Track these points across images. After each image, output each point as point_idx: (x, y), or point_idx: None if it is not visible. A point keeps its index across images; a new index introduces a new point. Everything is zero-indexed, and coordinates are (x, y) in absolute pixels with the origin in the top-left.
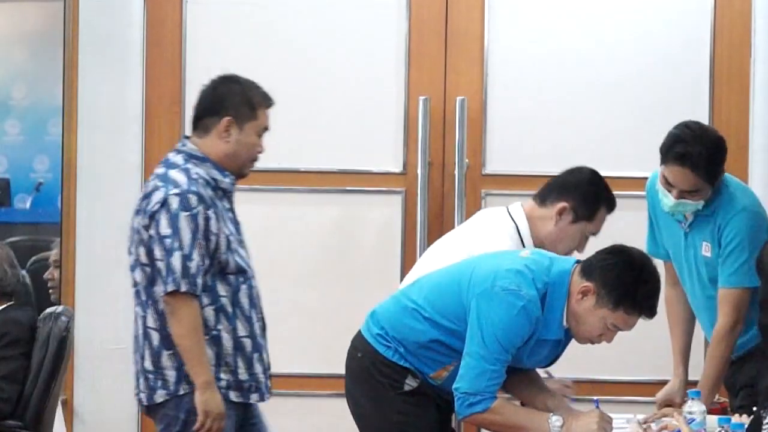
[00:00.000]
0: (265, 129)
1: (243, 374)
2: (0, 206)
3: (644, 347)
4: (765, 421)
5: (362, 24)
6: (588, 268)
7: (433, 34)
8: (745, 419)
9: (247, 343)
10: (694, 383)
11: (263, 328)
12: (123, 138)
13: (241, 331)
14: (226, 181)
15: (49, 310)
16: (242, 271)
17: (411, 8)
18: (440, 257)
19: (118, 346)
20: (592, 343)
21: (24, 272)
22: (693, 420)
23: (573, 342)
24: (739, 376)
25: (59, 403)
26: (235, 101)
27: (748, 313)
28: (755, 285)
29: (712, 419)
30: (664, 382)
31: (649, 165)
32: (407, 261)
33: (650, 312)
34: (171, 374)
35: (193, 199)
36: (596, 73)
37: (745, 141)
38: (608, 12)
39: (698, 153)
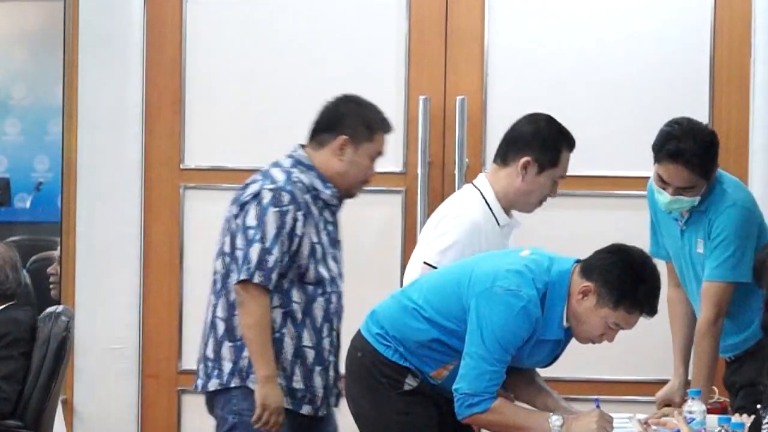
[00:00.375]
0: (379, 154)
1: (298, 383)
2: (0, 206)
3: (644, 346)
4: (765, 421)
5: (362, 24)
6: (588, 268)
7: (433, 33)
8: (746, 419)
9: (310, 353)
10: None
11: (334, 344)
12: (123, 138)
13: (306, 340)
14: (326, 192)
15: (49, 309)
16: (321, 283)
17: (411, 8)
18: (422, 240)
19: (118, 345)
20: (593, 342)
21: (24, 272)
22: (693, 419)
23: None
24: (739, 376)
25: (59, 402)
26: (354, 122)
27: (744, 313)
28: (739, 280)
29: (712, 418)
30: (664, 382)
31: (649, 165)
32: (407, 261)
33: (651, 310)
34: (227, 366)
35: (286, 197)
36: (596, 72)
37: (745, 141)
38: (608, 11)
39: (690, 149)
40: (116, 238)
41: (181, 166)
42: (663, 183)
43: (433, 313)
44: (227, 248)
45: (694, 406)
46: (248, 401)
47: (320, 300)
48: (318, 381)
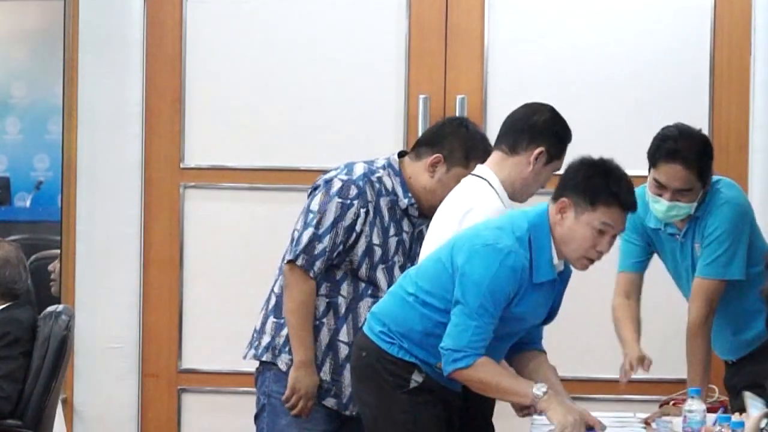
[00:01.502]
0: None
1: (326, 375)
2: (0, 205)
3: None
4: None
5: (362, 22)
6: (557, 191)
7: (433, 32)
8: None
9: (344, 349)
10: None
11: None
12: (123, 137)
13: (343, 335)
14: (403, 200)
15: (49, 309)
16: (374, 285)
17: (411, 6)
18: (432, 233)
19: (118, 344)
20: (591, 260)
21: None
22: (693, 418)
23: (574, 339)
24: (740, 378)
25: (59, 401)
26: (454, 144)
27: (741, 314)
28: (731, 278)
29: (712, 418)
30: (663, 381)
31: (647, 164)
32: None
33: (628, 198)
34: (265, 339)
35: (353, 191)
36: (596, 71)
37: (744, 140)
38: (608, 10)
39: (688, 147)
40: (116, 237)
41: (181, 165)
42: (660, 188)
43: (428, 298)
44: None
45: (694, 405)
46: (278, 384)
47: (368, 300)
48: (347, 378)
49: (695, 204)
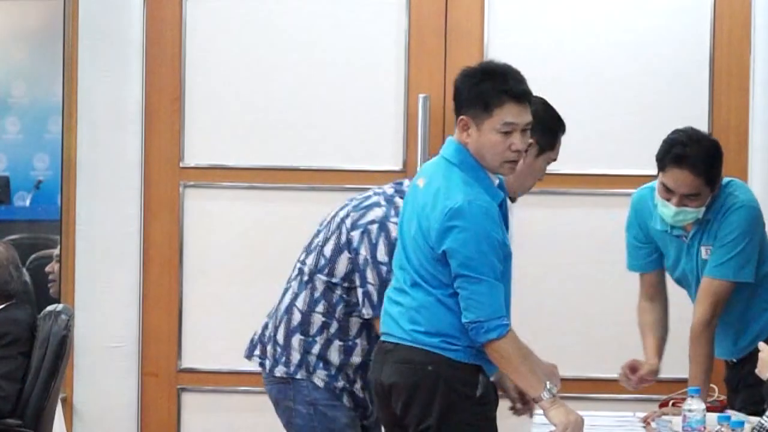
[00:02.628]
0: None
1: (359, 391)
2: (0, 204)
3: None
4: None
5: (362, 22)
6: (456, 110)
7: (432, 31)
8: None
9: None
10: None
11: None
12: (123, 136)
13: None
14: None
15: (49, 308)
16: None
17: (411, 6)
18: None
19: (117, 343)
20: (514, 162)
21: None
22: (693, 418)
23: (574, 339)
24: (741, 376)
25: (59, 401)
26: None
27: (748, 317)
28: (742, 280)
29: (712, 417)
30: (663, 380)
31: (647, 163)
32: None
33: (517, 88)
34: (295, 357)
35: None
36: (596, 71)
37: (744, 140)
38: (608, 10)
39: (696, 153)
40: (116, 237)
41: (181, 164)
42: (668, 192)
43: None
44: (328, 252)
45: (694, 405)
46: (319, 391)
47: None
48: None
49: (703, 209)
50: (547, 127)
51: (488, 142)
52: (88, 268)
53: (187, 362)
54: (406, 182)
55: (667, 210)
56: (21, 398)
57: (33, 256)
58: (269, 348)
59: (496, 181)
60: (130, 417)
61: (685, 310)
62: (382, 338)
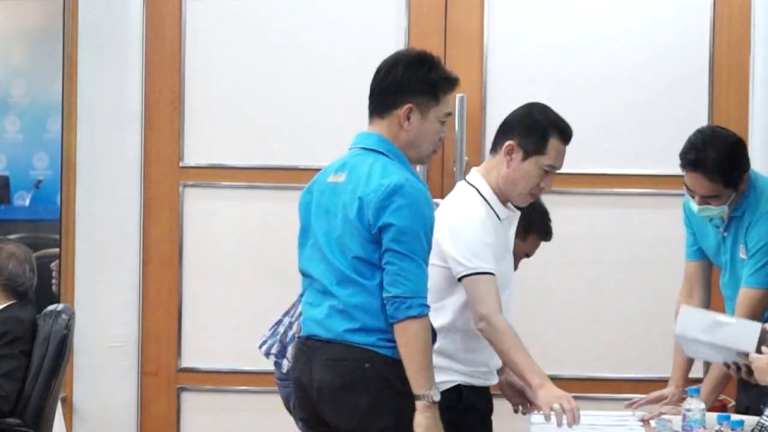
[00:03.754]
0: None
1: None
2: None
3: (644, 345)
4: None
5: (362, 21)
6: (391, 97)
7: (432, 31)
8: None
9: None
10: (697, 380)
11: None
12: (122, 135)
13: None
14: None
15: (49, 308)
16: None
17: (410, 5)
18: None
19: (117, 343)
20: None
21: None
22: (692, 417)
23: (574, 339)
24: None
25: (59, 400)
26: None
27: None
28: None
29: (712, 416)
30: (661, 380)
31: (647, 162)
32: None
33: (450, 79)
34: None
35: None
36: (596, 70)
37: (744, 139)
38: (608, 9)
39: (710, 158)
40: (116, 236)
41: (181, 164)
42: (690, 191)
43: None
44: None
45: (693, 404)
46: None
47: None
48: None
49: (726, 206)
50: (533, 129)
51: (430, 131)
52: (88, 268)
53: (186, 362)
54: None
55: (692, 205)
56: (21, 397)
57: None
58: (290, 349)
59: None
60: (130, 416)
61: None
62: (305, 338)
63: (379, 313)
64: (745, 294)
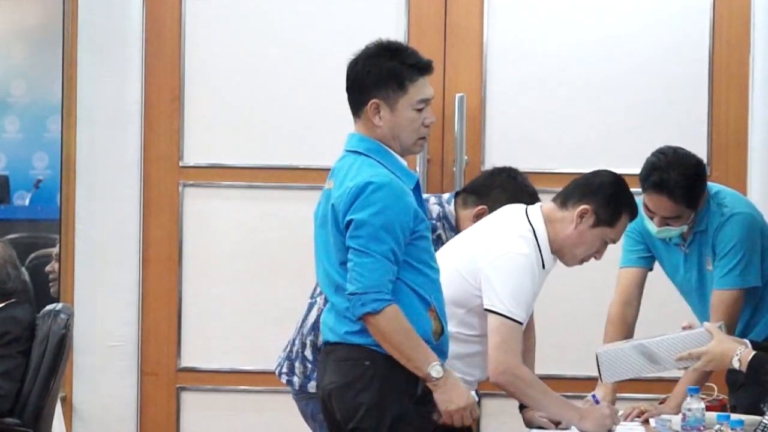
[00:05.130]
0: None
1: None
2: None
3: None
4: (765, 416)
5: (361, 20)
6: (358, 96)
7: (432, 30)
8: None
9: None
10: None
11: None
12: (122, 135)
13: None
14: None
15: (48, 307)
16: None
17: (410, 5)
18: (448, 256)
19: (117, 343)
20: (424, 139)
21: (23, 270)
22: (692, 416)
23: (573, 337)
24: (740, 375)
25: (58, 400)
26: (501, 196)
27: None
28: (748, 285)
29: (711, 416)
30: (661, 380)
31: None
32: None
33: (425, 64)
34: None
35: None
36: (595, 69)
37: (744, 139)
38: (607, 8)
39: (674, 180)
40: (115, 236)
41: (181, 164)
42: (650, 212)
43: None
44: None
45: (693, 404)
46: None
47: None
48: None
49: (686, 226)
50: (609, 201)
51: (405, 120)
52: (88, 268)
53: (186, 361)
54: (445, 196)
55: (651, 226)
56: (20, 397)
57: (32, 255)
58: (297, 365)
59: (405, 164)
60: (130, 416)
61: (683, 308)
62: (323, 344)
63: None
64: (719, 297)
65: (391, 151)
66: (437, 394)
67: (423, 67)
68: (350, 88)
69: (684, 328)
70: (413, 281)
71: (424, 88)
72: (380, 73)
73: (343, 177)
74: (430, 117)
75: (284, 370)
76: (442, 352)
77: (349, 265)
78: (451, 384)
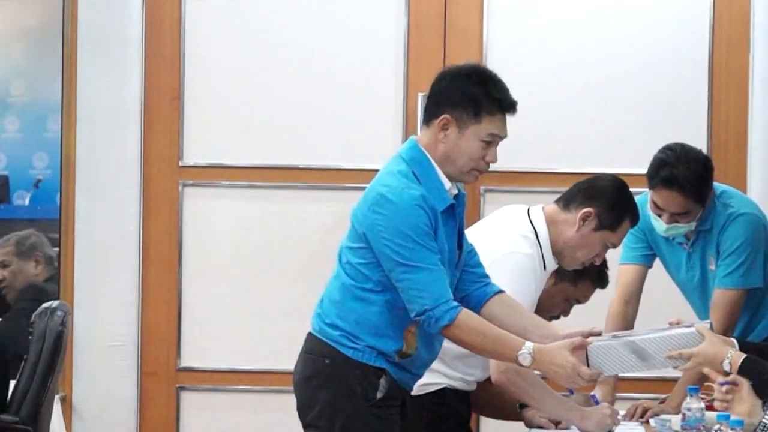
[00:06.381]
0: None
1: None
2: None
3: None
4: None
5: (361, 20)
6: (433, 111)
7: (432, 30)
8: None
9: None
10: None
11: None
12: (122, 134)
13: None
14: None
15: (45, 305)
16: None
17: (410, 4)
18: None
19: (117, 342)
20: (480, 172)
21: None
22: (692, 416)
23: None
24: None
25: (58, 399)
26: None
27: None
28: (751, 286)
29: (712, 416)
30: (661, 379)
31: (647, 162)
32: None
33: (508, 99)
34: None
35: None
36: (595, 69)
37: (743, 138)
38: (607, 8)
39: (684, 174)
40: (115, 235)
41: (180, 163)
42: (658, 209)
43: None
44: None
45: (693, 403)
46: None
47: None
48: None
49: (694, 222)
50: (613, 206)
51: (468, 148)
52: (88, 267)
53: (186, 361)
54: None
55: (658, 224)
56: (16, 394)
57: None
58: None
59: (454, 191)
60: (130, 416)
61: (684, 307)
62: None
63: (348, 311)
64: (721, 295)
65: (437, 169)
66: (544, 374)
67: (505, 105)
68: (430, 98)
69: (671, 324)
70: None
71: (499, 124)
72: (462, 95)
73: (375, 179)
74: (492, 155)
75: None
76: (405, 370)
77: (401, 285)
78: (545, 363)
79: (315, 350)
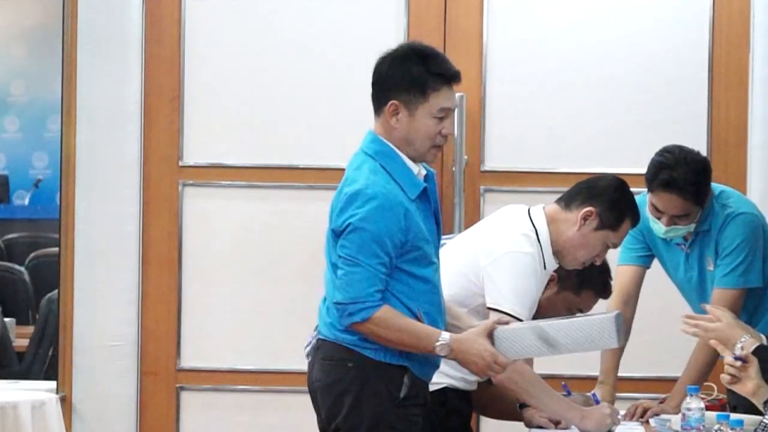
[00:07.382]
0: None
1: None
2: None
3: (643, 344)
4: (765, 416)
5: (361, 20)
6: (380, 95)
7: (431, 30)
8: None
9: None
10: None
11: None
12: (122, 134)
13: None
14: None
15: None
16: None
17: (410, 5)
18: (450, 255)
19: (116, 342)
20: (440, 147)
21: (22, 268)
22: (692, 416)
23: None
24: None
25: (58, 399)
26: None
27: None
28: (750, 286)
29: (711, 416)
30: (662, 379)
31: (647, 162)
32: None
33: (451, 70)
34: None
35: None
36: (595, 69)
37: (743, 138)
38: (607, 8)
39: (683, 177)
40: (115, 235)
41: (180, 163)
42: (657, 212)
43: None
44: None
45: (693, 403)
46: None
47: None
48: None
49: (693, 225)
50: (614, 205)
51: (422, 127)
52: (87, 267)
53: (186, 361)
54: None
55: (657, 227)
56: None
57: (32, 254)
58: None
59: (423, 172)
60: (129, 415)
61: (683, 307)
62: (317, 334)
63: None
64: (720, 295)
65: (402, 157)
66: (461, 364)
67: (449, 77)
68: (374, 85)
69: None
70: (399, 291)
71: (447, 97)
72: (404, 77)
73: (344, 180)
74: (448, 127)
75: (308, 350)
76: (426, 362)
77: (338, 273)
78: (463, 352)
79: (334, 356)
